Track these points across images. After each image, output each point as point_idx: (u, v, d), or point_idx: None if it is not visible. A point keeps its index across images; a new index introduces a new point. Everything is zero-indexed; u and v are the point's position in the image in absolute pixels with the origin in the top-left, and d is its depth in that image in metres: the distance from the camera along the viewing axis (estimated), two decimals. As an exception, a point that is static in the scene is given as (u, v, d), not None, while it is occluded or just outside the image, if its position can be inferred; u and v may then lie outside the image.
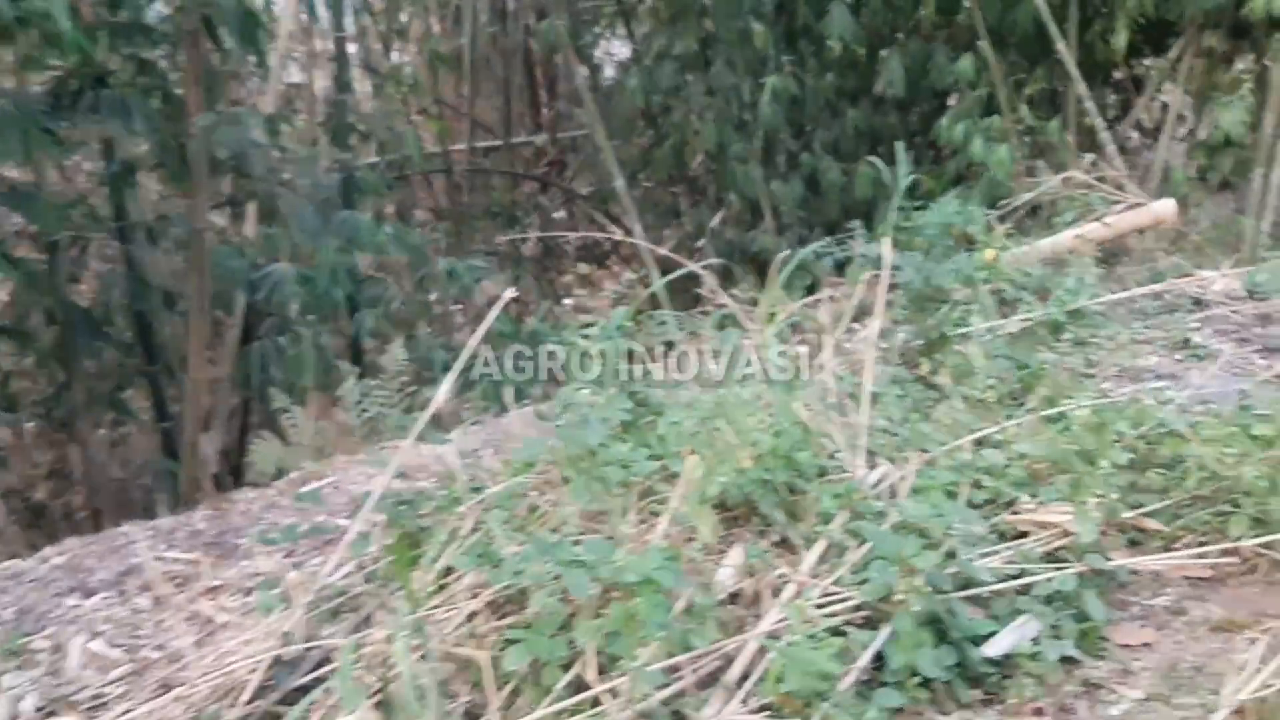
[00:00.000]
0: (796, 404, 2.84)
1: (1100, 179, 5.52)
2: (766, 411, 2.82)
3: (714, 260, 8.28)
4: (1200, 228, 6.99)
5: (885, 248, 3.49)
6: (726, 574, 2.43)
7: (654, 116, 8.16)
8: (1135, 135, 7.85)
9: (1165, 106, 7.33)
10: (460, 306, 8.35)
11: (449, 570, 2.49)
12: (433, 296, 7.29)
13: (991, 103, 7.28)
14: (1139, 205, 5.38)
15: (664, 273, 9.52)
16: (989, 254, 3.92)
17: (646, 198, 8.90)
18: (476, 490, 2.73)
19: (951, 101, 7.75)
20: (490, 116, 11.28)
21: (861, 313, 4.10)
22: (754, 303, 3.78)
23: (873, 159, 5.38)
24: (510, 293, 2.86)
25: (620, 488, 2.61)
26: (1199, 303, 4.60)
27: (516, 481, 2.79)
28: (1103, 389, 3.64)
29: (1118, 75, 7.92)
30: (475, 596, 2.38)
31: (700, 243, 8.11)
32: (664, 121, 8.11)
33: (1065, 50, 7.05)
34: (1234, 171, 7.07)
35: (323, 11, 7.13)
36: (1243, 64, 7.20)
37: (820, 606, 2.31)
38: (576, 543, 2.26)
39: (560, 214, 9.85)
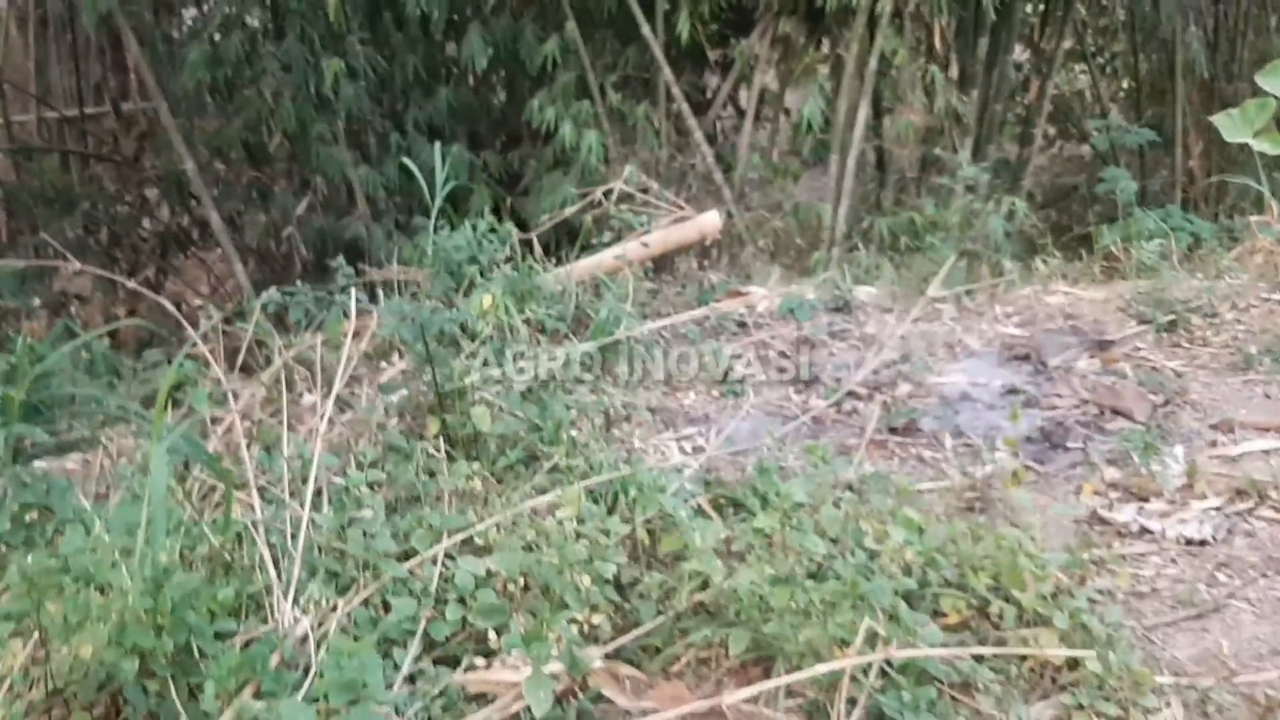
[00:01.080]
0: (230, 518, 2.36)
1: (644, 190, 5.35)
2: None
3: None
4: (783, 214, 7.13)
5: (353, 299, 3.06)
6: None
7: (224, 92, 7.34)
8: (727, 119, 7.90)
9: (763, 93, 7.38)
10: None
11: None
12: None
13: (584, 86, 7.06)
14: (683, 218, 5.22)
15: (260, 261, 8.79)
16: (485, 300, 3.60)
17: (230, 181, 8.06)
18: None
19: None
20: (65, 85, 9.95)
21: (379, 356, 3.68)
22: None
23: (407, 160, 4.95)
24: None
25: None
26: (743, 325, 4.52)
27: None
28: (631, 446, 3.42)
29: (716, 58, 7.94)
30: None
31: (288, 230, 7.43)
32: (238, 98, 7.32)
33: (651, 34, 6.92)
34: (814, 156, 7.25)
35: None
36: (819, 52, 7.36)
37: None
38: None
39: (132, 198, 8.75)
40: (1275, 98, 5.39)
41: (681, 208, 5.35)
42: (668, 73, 7.01)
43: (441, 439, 3.18)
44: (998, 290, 5.01)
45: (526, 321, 3.87)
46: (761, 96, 7.33)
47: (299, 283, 4.15)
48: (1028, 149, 7.92)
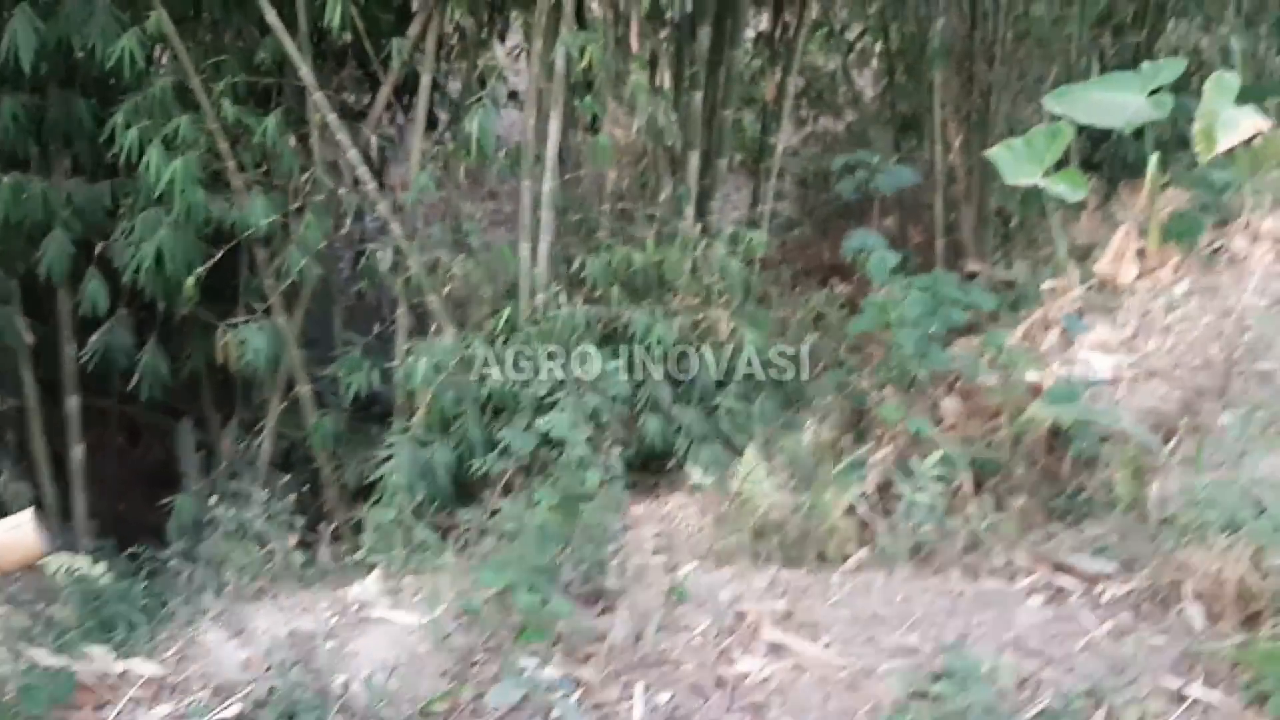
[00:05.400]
0: None
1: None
2: None
3: None
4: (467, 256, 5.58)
5: None
6: None
7: None
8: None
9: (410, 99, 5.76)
10: None
11: None
12: None
13: (187, 94, 5.26)
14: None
15: None
16: None
17: None
18: None
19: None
20: None
21: None
22: None
23: None
24: None
25: None
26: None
27: None
28: None
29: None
30: None
31: None
32: None
33: (278, 20, 5.18)
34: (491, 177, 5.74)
35: None
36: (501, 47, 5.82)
37: None
38: None
39: None
40: (1066, 124, 4.24)
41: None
42: (305, 71, 5.29)
43: None
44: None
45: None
46: (432, 103, 5.72)
47: None
48: (767, 161, 6.63)
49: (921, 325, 3.70)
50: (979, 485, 3.50)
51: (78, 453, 5.87)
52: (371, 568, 3.47)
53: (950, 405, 3.87)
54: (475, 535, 3.38)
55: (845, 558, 2.90)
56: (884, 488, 3.44)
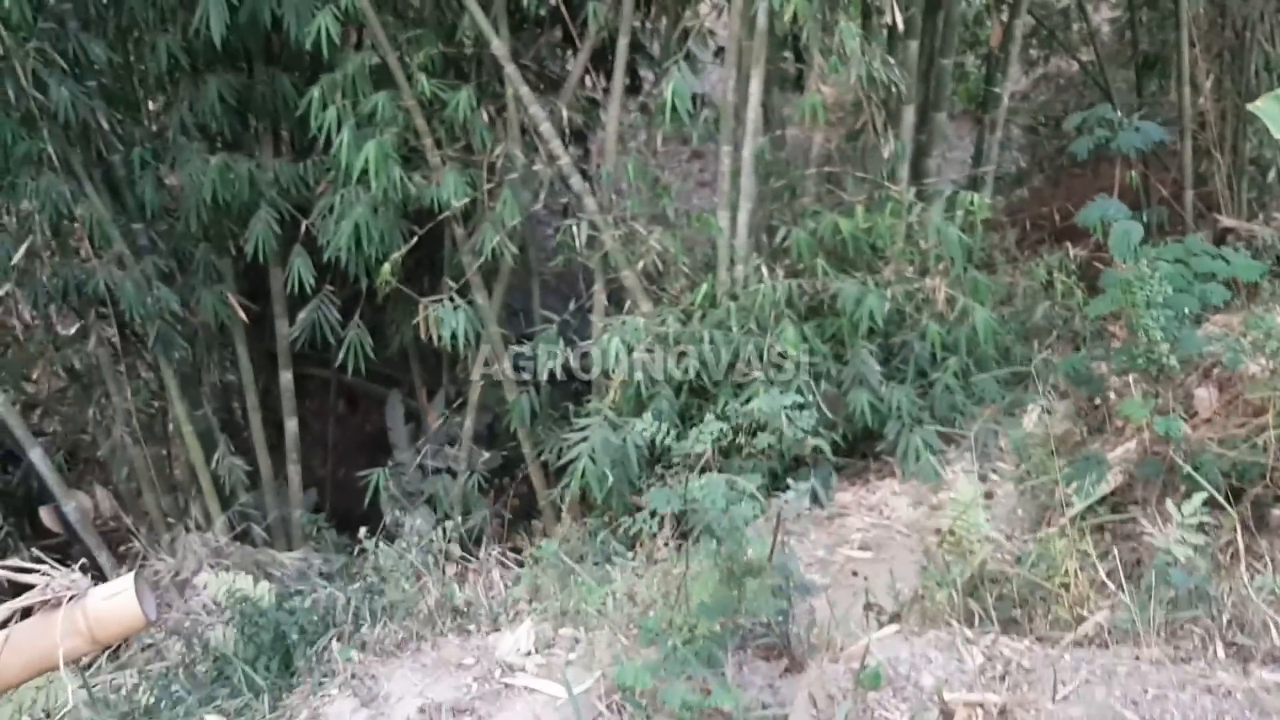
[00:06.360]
0: None
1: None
2: None
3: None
4: (665, 227, 5.35)
5: None
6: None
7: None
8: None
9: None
10: None
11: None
12: None
13: (384, 70, 5.22)
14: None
15: None
16: None
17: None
18: None
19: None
20: None
21: None
22: None
23: None
24: None
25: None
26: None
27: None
28: None
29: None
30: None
31: (4, 288, 5.61)
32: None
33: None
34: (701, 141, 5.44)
35: None
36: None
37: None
38: None
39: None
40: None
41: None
42: (498, 44, 5.16)
43: None
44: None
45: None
46: (633, 70, 5.49)
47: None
48: (992, 112, 6.04)
49: (1173, 306, 3.19)
50: (1237, 495, 2.99)
51: (292, 426, 6.02)
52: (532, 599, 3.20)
53: (1205, 396, 3.34)
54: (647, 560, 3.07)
55: (1080, 619, 2.39)
56: (1125, 532, 2.93)
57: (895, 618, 2.62)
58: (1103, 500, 3.42)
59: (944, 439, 4.73)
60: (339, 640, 2.86)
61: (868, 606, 2.81)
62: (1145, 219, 6.97)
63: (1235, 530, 2.58)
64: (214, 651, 2.98)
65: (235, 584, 3.10)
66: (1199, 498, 2.34)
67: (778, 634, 2.58)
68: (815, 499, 4.72)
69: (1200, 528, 2.33)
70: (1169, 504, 2.49)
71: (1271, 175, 7.17)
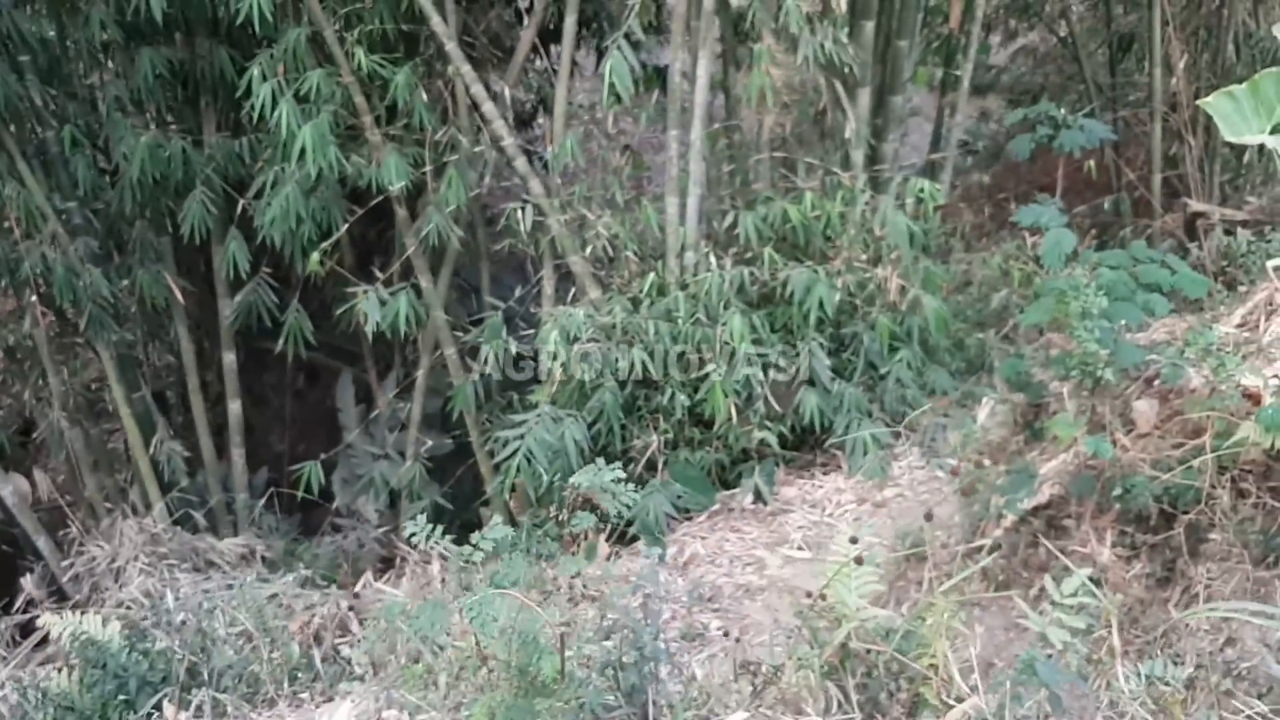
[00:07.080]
0: None
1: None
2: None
3: None
4: (615, 213, 5.21)
5: None
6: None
7: None
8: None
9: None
10: None
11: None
12: None
13: (321, 45, 5.04)
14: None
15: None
16: None
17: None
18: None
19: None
20: None
21: None
22: None
23: None
24: None
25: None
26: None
27: None
28: None
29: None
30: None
31: None
32: None
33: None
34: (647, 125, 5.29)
35: None
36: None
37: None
38: None
39: None
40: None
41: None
42: (437, 21, 4.98)
43: None
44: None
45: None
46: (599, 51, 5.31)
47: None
48: (951, 95, 5.88)
49: (1112, 317, 3.06)
50: (1171, 520, 2.88)
51: (235, 408, 5.88)
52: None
53: (1145, 409, 3.22)
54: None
55: (948, 706, 2.23)
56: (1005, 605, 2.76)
57: (759, 691, 2.48)
58: (1036, 511, 3.31)
59: (894, 434, 4.63)
60: (169, 702, 2.73)
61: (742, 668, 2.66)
62: (1112, 205, 6.85)
63: (1110, 625, 2.42)
64: (54, 700, 2.84)
65: (81, 626, 2.95)
66: (1081, 574, 2.20)
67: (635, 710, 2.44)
68: (758, 495, 4.63)
69: (1080, 610, 2.19)
70: (1047, 580, 2.36)
71: (1247, 157, 7.03)
